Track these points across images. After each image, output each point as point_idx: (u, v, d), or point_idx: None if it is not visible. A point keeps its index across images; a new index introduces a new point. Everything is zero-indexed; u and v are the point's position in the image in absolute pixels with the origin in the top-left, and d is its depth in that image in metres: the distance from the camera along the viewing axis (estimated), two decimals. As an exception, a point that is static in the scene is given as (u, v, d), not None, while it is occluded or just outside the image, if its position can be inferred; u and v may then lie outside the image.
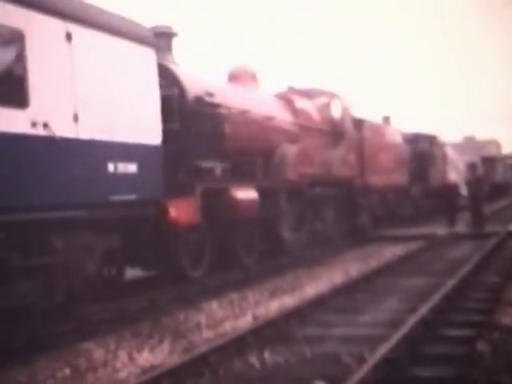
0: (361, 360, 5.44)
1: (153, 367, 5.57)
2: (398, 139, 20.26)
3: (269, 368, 5.64)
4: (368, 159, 16.59)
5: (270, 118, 11.76)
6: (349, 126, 15.16)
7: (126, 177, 7.46)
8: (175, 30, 11.17)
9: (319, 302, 7.90)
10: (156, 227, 8.25)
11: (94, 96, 6.94)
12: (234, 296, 8.71)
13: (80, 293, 6.91)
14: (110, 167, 7.27)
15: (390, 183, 18.48)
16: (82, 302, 7.10)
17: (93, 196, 6.87)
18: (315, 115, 14.07)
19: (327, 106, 14.94)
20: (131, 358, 5.89)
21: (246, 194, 9.96)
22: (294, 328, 6.81)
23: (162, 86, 8.71)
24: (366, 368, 4.99)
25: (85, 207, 6.68)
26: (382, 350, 5.44)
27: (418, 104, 55.27)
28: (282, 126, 12.31)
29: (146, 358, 5.98)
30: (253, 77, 12.55)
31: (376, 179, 16.97)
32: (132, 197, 7.54)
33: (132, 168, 7.66)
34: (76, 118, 6.75)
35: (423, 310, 6.67)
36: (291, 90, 14.58)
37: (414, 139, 22.61)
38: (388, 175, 18.29)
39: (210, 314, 7.76)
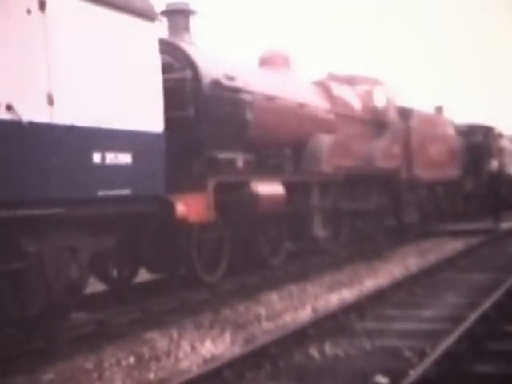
0: (422, 354, 5.59)
1: (214, 358, 5.83)
2: (451, 130, 19.72)
3: (329, 360, 5.81)
4: (416, 151, 16.02)
5: (302, 106, 11.15)
6: (393, 115, 14.72)
7: (118, 169, 6.64)
8: (203, 7, 9.28)
9: (378, 296, 8.12)
10: (161, 226, 7.64)
11: (76, 75, 6.17)
12: (293, 288, 9.11)
13: (61, 302, 6.32)
14: (96, 158, 6.41)
15: (441, 177, 17.99)
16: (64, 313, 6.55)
17: (73, 191, 6.11)
18: (356, 103, 13.56)
19: (369, 93, 14.40)
20: (193, 348, 6.19)
21: (270, 188, 9.36)
22: (353, 321, 7.02)
23: (174, 69, 8.45)
24: (427, 362, 5.12)
25: (63, 204, 5.93)
26: (444, 344, 5.58)
27: (477, 94, 52.84)
28: (316, 114, 11.75)
29: (207, 348, 6.24)
30: (286, 61, 11.97)
31: (424, 172, 16.35)
32: (125, 192, 6.75)
33: (125, 159, 6.82)
34: (51, 100, 5.87)
35: (485, 305, 6.87)
36: (331, 76, 14.11)
37: (468, 131, 22.01)
38: (438, 168, 17.70)
39: (269, 305, 8.09)
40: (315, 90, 12.23)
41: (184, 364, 5.71)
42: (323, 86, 12.60)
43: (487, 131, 22.83)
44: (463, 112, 41.53)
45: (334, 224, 11.77)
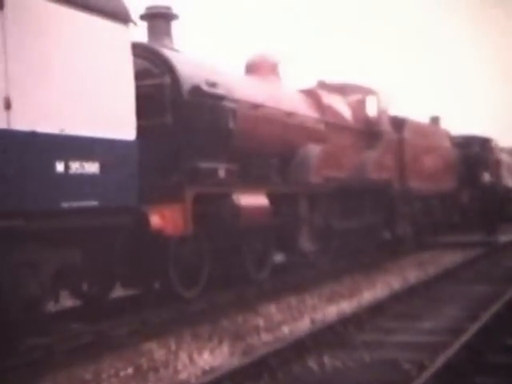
0: (421, 367, 5.67)
1: (213, 369, 5.95)
2: (446, 141, 19.70)
3: (328, 373, 5.91)
4: (409, 162, 15.83)
5: (289, 114, 11.07)
6: (386, 125, 14.63)
7: (84, 179, 6.38)
8: (188, 12, 8.91)
9: (377, 308, 8.29)
10: (135, 238, 7.38)
11: (37, 78, 5.94)
12: (292, 300, 9.27)
13: (18, 322, 6.01)
14: (59, 167, 6.14)
15: (435, 189, 17.77)
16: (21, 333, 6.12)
17: (34, 202, 5.84)
18: (347, 112, 13.48)
19: (361, 102, 14.25)
20: (192, 360, 6.31)
21: (253, 199, 9.19)
22: (352, 333, 7.15)
23: (152, 74, 8.40)
24: (426, 375, 5.20)
25: (21, 215, 5.68)
26: (443, 357, 5.66)
27: (475, 105, 52.33)
28: (304, 124, 11.64)
29: (206, 359, 6.34)
30: (273, 68, 11.74)
31: (418, 184, 16.19)
32: (93, 203, 6.48)
33: (92, 168, 6.53)
34: (8, 104, 5.63)
35: (485, 317, 7.06)
36: (321, 84, 13.96)
37: (464, 142, 22.01)
38: (433, 180, 17.53)
39: (268, 317, 8.26)
40: (304, 99, 12.13)
41: (182, 375, 5.81)
42: (312, 95, 12.49)
43: (484, 143, 23.06)
44: (462, 123, 40.75)
45: (323, 237, 11.56)
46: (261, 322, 7.69)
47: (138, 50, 8.07)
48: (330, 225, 11.83)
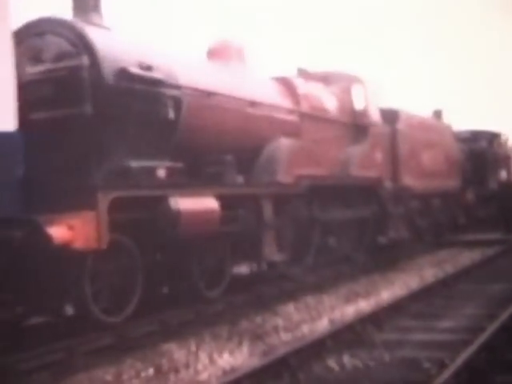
0: (441, 366, 5.99)
1: (233, 369, 6.32)
2: (449, 136, 18.96)
3: (348, 372, 6.23)
4: (404, 158, 14.98)
5: (254, 104, 10.24)
6: (375, 117, 13.85)
7: None
8: None
9: (396, 307, 8.67)
10: (28, 255, 6.49)
11: None
12: (309, 299, 9.77)
13: None
14: None
15: (436, 187, 16.99)
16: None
17: None
18: (329, 103, 12.63)
19: (346, 92, 13.33)
20: (212, 360, 6.73)
21: (197, 203, 8.13)
22: (371, 332, 7.51)
23: (69, 55, 7.58)
24: (447, 374, 5.50)
25: None
26: (464, 355, 5.99)
27: (484, 99, 50.81)
28: (273, 115, 10.78)
29: (226, 359, 6.71)
30: (239, 53, 10.92)
31: (415, 182, 15.34)
32: None
33: None
34: None
35: (503, 315, 7.54)
36: (302, 73, 13.14)
37: (470, 137, 21.41)
38: (433, 178, 16.74)
39: (286, 317, 8.71)
40: (276, 87, 11.34)
41: (203, 376, 6.26)
42: (286, 83, 11.62)
43: (492, 138, 22.42)
44: (469, 118, 40.03)
45: (295, 244, 10.71)
46: (280, 321, 8.39)
47: (53, 27, 7.69)
48: (304, 230, 10.97)
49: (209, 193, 8.46)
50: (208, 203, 8.33)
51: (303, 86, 11.93)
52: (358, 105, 13.28)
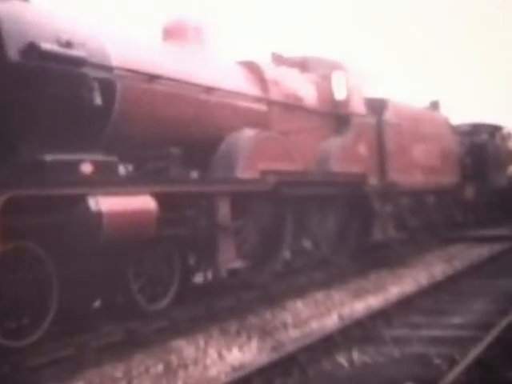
0: (452, 362, 6.20)
1: (242, 365, 6.59)
2: (445, 128, 18.36)
3: (358, 368, 6.47)
4: (393, 152, 14.35)
5: (210, 90, 9.62)
6: (358, 107, 13.38)
7: None
8: None
9: (405, 303, 8.82)
10: None
11: None
12: (318, 295, 10.01)
13: None
14: None
15: (431, 183, 16.35)
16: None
17: None
18: (304, 90, 12.02)
19: (327, 79, 12.73)
20: (220, 356, 7.06)
21: (125, 203, 7.20)
22: (380, 328, 7.77)
23: None
24: (458, 370, 5.66)
25: None
26: (474, 351, 6.20)
27: (487, 92, 49.80)
28: (235, 103, 10.19)
29: (235, 356, 7.00)
30: (196, 33, 10.15)
31: (406, 178, 14.74)
32: None
33: None
34: None
35: None
36: (276, 57, 12.57)
37: (470, 130, 20.82)
38: (427, 173, 16.07)
39: (295, 312, 8.99)
40: (240, 72, 10.80)
41: (212, 372, 6.62)
42: (252, 67, 11.02)
43: (494, 130, 21.87)
44: (471, 111, 39.30)
45: (260, 249, 10.14)
46: (288, 317, 8.95)
47: None
48: (272, 233, 10.40)
49: (143, 191, 7.59)
50: (140, 203, 7.39)
51: (273, 72, 11.35)
52: (340, 93, 12.62)
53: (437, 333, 7.79)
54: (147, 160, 8.33)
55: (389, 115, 14.29)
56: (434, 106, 19.04)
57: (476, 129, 21.44)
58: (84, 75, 7.37)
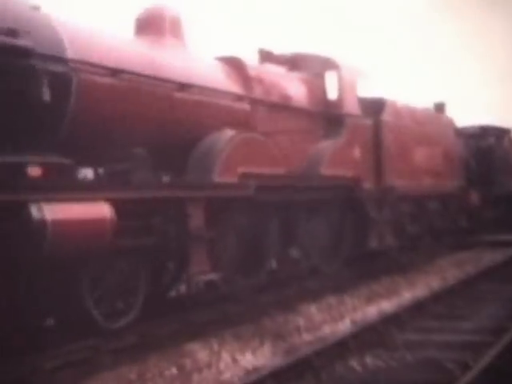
0: (465, 367, 6.29)
1: (256, 369, 6.74)
2: (449, 131, 17.71)
3: (371, 372, 6.61)
4: (391, 155, 13.99)
5: (184, 87, 9.08)
6: (352, 107, 12.89)
7: None
8: None
9: (418, 308, 8.88)
10: None
11: None
12: (331, 300, 10.11)
13: None
14: None
15: (433, 188, 15.76)
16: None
17: None
18: (293, 89, 11.54)
19: (319, 78, 12.19)
20: (234, 360, 7.27)
21: (74, 210, 6.53)
22: (393, 333, 7.84)
23: None
24: (471, 376, 5.78)
25: None
26: (488, 357, 6.35)
27: (495, 94, 47.65)
28: (213, 101, 9.55)
29: (248, 359, 7.18)
30: (173, 26, 9.44)
31: (405, 182, 14.36)
32: None
33: None
34: None
35: None
36: (264, 54, 11.95)
37: (476, 133, 20.19)
38: (429, 177, 15.52)
39: (308, 317, 9.13)
40: (220, 69, 10.27)
41: (226, 375, 6.87)
42: (234, 64, 10.46)
43: (501, 134, 21.35)
44: (478, 114, 38.43)
45: (239, 260, 9.40)
46: (302, 322, 9.29)
47: None
48: (254, 241, 9.66)
49: (98, 197, 6.91)
50: (93, 210, 6.74)
51: (258, 69, 10.89)
52: (332, 92, 12.02)
53: (450, 337, 7.52)
54: (110, 162, 7.70)
55: (387, 116, 13.69)
56: (439, 107, 18.15)
57: (483, 132, 20.55)
58: (30, 67, 6.72)
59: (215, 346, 8.01)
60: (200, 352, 7.76)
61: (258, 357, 7.38)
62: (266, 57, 11.55)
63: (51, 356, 6.39)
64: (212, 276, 8.24)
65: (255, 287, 9.24)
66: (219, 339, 8.39)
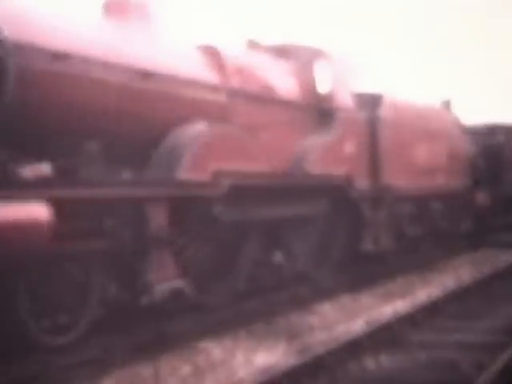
0: (480, 368, 6.30)
1: (269, 367, 6.72)
2: (454, 128, 17.22)
3: (385, 372, 6.64)
4: (388, 152, 13.43)
5: (149, 76, 8.28)
6: (345, 101, 12.35)
7: None
8: None
9: (433, 307, 8.83)
10: None
11: None
12: (345, 299, 10.17)
13: None
14: None
15: (436, 188, 15.26)
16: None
17: None
18: (278, 81, 10.91)
19: (308, 69, 11.55)
20: (248, 358, 7.40)
21: (5, 212, 5.58)
22: (408, 333, 7.92)
23: None
24: (486, 376, 5.76)
25: None
26: (503, 357, 6.32)
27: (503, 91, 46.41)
28: (183, 92, 8.85)
29: (262, 358, 7.27)
30: (140, 9, 8.78)
31: (404, 182, 13.88)
32: None
33: None
34: None
35: None
36: (252, 45, 11.55)
37: (484, 131, 19.55)
38: (431, 176, 14.98)
39: (322, 316, 9.24)
40: (196, 58, 9.53)
41: (239, 373, 6.97)
42: (211, 52, 9.79)
43: (510, 132, 20.89)
44: (488, 112, 37.78)
45: (211, 265, 8.74)
46: (316, 320, 9.63)
47: None
48: (230, 245, 9.02)
49: (34, 196, 6.04)
50: (25, 212, 5.86)
51: (237, 58, 10.05)
52: (323, 84, 11.25)
53: (465, 337, 7.51)
54: (57, 157, 6.62)
55: (384, 111, 12.93)
56: (445, 105, 17.22)
57: (491, 130, 19.73)
58: None
59: (229, 344, 8.00)
60: (214, 350, 7.77)
61: (272, 355, 7.44)
62: (254, 47, 10.86)
63: (64, 354, 5.94)
64: (177, 283, 7.37)
65: (232, 295, 8.49)
66: (233, 337, 8.27)
